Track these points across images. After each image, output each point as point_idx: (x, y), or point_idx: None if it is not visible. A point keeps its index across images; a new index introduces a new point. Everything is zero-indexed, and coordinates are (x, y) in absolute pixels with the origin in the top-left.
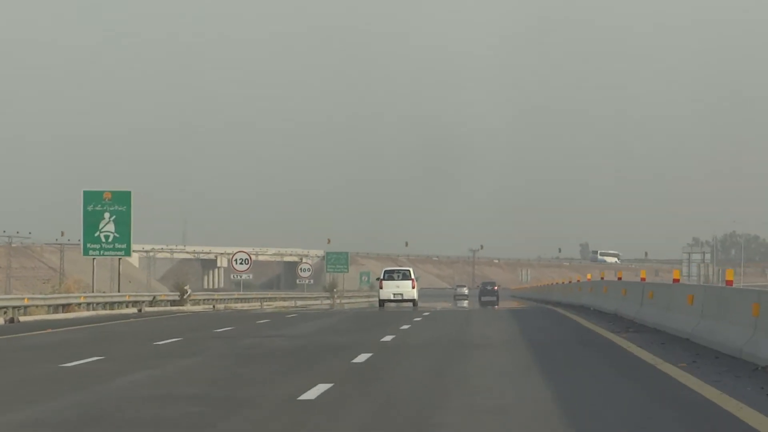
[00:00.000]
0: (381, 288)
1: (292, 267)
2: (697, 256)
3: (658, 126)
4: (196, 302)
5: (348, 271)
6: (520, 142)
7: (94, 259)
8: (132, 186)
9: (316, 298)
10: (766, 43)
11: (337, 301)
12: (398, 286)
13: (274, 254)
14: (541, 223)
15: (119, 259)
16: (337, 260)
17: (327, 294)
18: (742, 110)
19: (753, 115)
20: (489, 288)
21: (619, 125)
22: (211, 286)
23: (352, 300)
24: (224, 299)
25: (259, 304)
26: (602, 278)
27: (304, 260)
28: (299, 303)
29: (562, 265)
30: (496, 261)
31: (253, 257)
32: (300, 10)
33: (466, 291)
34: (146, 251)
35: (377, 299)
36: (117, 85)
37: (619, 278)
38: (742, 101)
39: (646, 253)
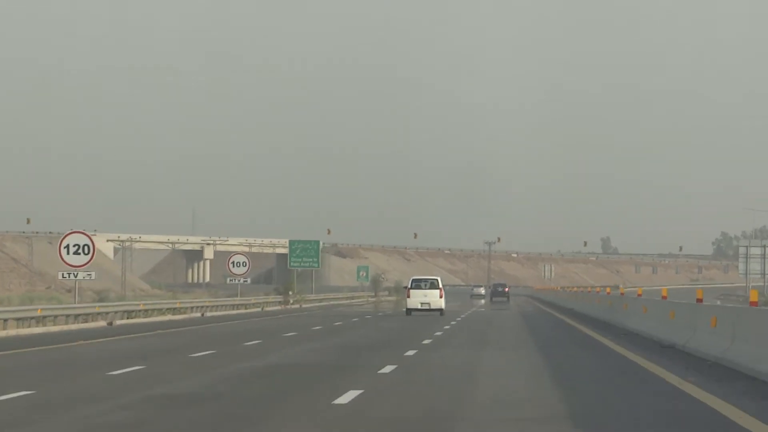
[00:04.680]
0: (408, 297)
1: (285, 259)
2: (756, 250)
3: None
4: (179, 311)
5: (318, 266)
6: (540, 131)
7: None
8: (130, 175)
9: (259, 304)
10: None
11: (294, 305)
12: (426, 295)
13: (238, 244)
14: (561, 215)
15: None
16: (304, 251)
17: (280, 297)
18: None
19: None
20: (500, 289)
21: (639, 118)
22: (196, 281)
23: (322, 303)
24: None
25: (200, 312)
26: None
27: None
28: (241, 308)
29: (588, 260)
30: (515, 255)
31: (246, 248)
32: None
33: (482, 291)
34: (121, 241)
35: (372, 299)
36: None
37: (639, 295)
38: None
39: (680, 248)
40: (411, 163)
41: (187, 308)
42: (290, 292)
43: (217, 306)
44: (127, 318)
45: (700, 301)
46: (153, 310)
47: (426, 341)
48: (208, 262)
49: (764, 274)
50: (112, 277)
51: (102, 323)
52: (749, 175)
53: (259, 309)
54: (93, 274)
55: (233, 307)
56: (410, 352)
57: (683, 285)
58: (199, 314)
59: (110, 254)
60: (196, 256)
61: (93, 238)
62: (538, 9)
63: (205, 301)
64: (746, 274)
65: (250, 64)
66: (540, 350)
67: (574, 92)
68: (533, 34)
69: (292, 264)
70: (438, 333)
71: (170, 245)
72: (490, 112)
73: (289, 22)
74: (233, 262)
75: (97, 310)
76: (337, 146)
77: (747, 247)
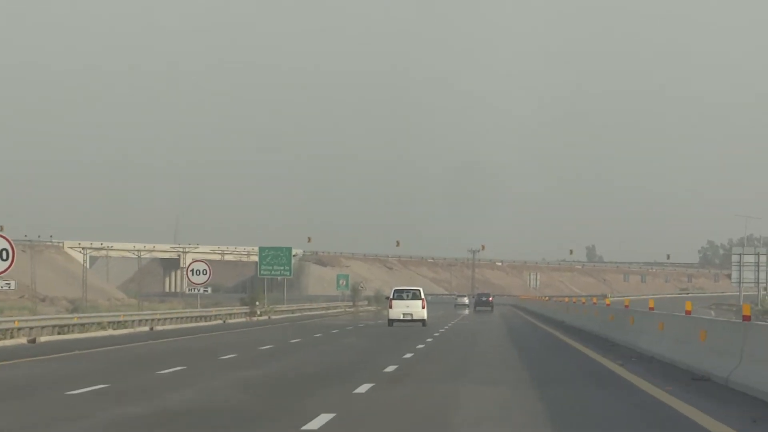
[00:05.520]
0: (390, 307)
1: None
2: (750, 258)
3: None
4: (122, 324)
5: (290, 274)
6: (524, 139)
7: None
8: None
9: (222, 316)
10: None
11: (261, 316)
12: (408, 306)
13: (211, 252)
14: (546, 223)
15: None
16: (275, 259)
17: (246, 308)
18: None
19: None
20: (484, 299)
21: (624, 126)
22: (172, 290)
23: (295, 314)
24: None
25: (149, 326)
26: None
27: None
28: (202, 320)
29: (574, 269)
30: (499, 264)
31: (218, 257)
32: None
33: (466, 300)
34: (85, 248)
35: (350, 308)
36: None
37: (626, 306)
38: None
39: (668, 256)
40: (394, 170)
41: (132, 321)
42: (257, 303)
43: (172, 318)
44: (58, 334)
45: (747, 318)
46: (91, 324)
47: (389, 368)
48: (185, 271)
49: (758, 282)
50: (88, 286)
51: (23, 340)
52: (735, 183)
53: (221, 321)
54: (12, 283)
55: (193, 319)
56: (363, 388)
57: (673, 294)
58: (147, 328)
59: (85, 263)
60: (173, 264)
61: (17, 243)
62: (531, 18)
63: (155, 314)
64: (739, 282)
65: (234, 68)
66: (536, 382)
67: (559, 101)
68: (522, 47)
69: (262, 272)
70: (408, 355)
71: (137, 253)
72: (475, 120)
73: (260, 26)
74: (192, 270)
75: (16, 325)
76: (320, 153)
77: (740, 254)
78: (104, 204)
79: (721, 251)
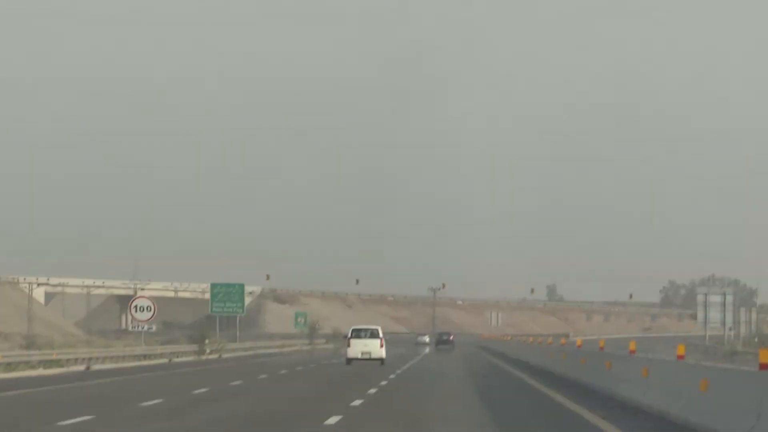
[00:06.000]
0: (349, 346)
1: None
2: (716, 298)
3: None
4: (56, 363)
5: (243, 312)
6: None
7: None
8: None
9: (167, 355)
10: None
11: (212, 355)
12: (366, 345)
13: (163, 288)
14: (507, 262)
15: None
16: (227, 296)
17: (195, 346)
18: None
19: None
20: (445, 338)
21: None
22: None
23: (248, 353)
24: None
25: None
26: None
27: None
28: (145, 359)
29: (535, 308)
30: (460, 302)
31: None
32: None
33: (426, 339)
34: (52, 285)
35: (307, 347)
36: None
37: (578, 346)
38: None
39: (630, 295)
40: (355, 206)
41: (67, 360)
42: (207, 341)
43: (113, 357)
44: None
45: (766, 367)
46: (19, 363)
47: (331, 420)
48: (156, 309)
49: (724, 323)
50: (43, 323)
51: None
52: (695, 223)
53: (167, 360)
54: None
55: (136, 358)
56: None
57: (636, 334)
58: (83, 367)
59: (42, 300)
60: (128, 300)
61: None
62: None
63: (93, 351)
64: (705, 323)
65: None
66: None
67: (522, 140)
68: (495, 71)
69: (214, 309)
70: (332, 421)
71: (86, 289)
72: (435, 158)
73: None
74: (136, 307)
75: None
76: (279, 188)
77: (706, 294)
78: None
79: (683, 291)
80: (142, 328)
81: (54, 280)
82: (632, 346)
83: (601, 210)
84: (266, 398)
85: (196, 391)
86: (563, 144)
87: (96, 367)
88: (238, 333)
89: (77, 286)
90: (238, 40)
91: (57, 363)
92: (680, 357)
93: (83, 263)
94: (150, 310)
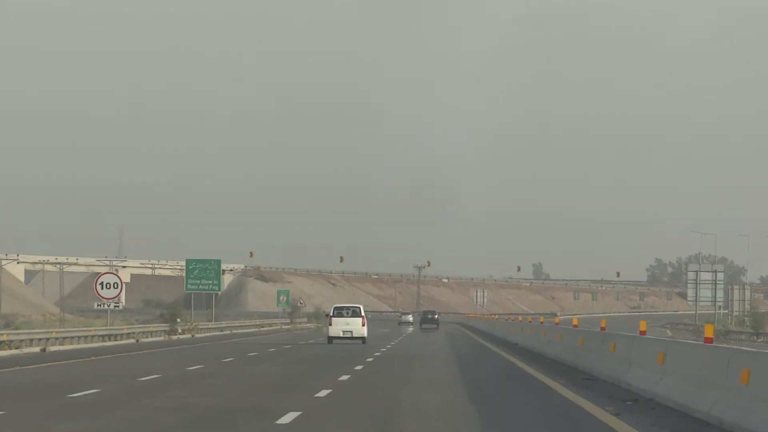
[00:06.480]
0: (330, 325)
1: None
2: (706, 275)
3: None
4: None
5: (219, 289)
6: (473, 152)
7: None
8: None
9: (134, 335)
10: None
11: (184, 335)
12: (348, 324)
13: (141, 266)
14: (492, 240)
15: None
16: (203, 273)
17: (166, 325)
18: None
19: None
20: (429, 317)
21: (574, 144)
22: (95, 306)
23: (224, 332)
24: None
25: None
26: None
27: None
28: (109, 339)
29: (521, 286)
30: (445, 280)
31: (149, 271)
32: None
33: (410, 318)
34: (30, 262)
35: (287, 326)
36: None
37: (575, 326)
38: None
39: (618, 273)
40: (340, 185)
41: (21, 341)
42: (178, 320)
43: (75, 338)
44: None
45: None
46: None
47: (286, 418)
48: (123, 286)
49: (715, 301)
50: (22, 301)
51: None
52: (682, 201)
53: (134, 341)
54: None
55: (100, 338)
56: None
57: (624, 312)
58: (38, 348)
59: (21, 278)
60: None
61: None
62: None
63: (52, 332)
64: (695, 301)
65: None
66: None
67: (509, 119)
68: (479, 59)
69: (189, 287)
70: (287, 419)
71: (59, 266)
72: (421, 136)
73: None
74: (102, 284)
75: None
76: (264, 166)
77: (697, 272)
78: (48, 218)
79: (670, 269)
80: (108, 305)
81: (24, 257)
82: (643, 326)
83: (588, 188)
84: (223, 386)
85: (144, 378)
86: (548, 124)
87: (53, 348)
88: (213, 311)
89: (52, 263)
90: None
91: (8, 345)
92: (708, 340)
93: (63, 240)
94: (117, 287)
